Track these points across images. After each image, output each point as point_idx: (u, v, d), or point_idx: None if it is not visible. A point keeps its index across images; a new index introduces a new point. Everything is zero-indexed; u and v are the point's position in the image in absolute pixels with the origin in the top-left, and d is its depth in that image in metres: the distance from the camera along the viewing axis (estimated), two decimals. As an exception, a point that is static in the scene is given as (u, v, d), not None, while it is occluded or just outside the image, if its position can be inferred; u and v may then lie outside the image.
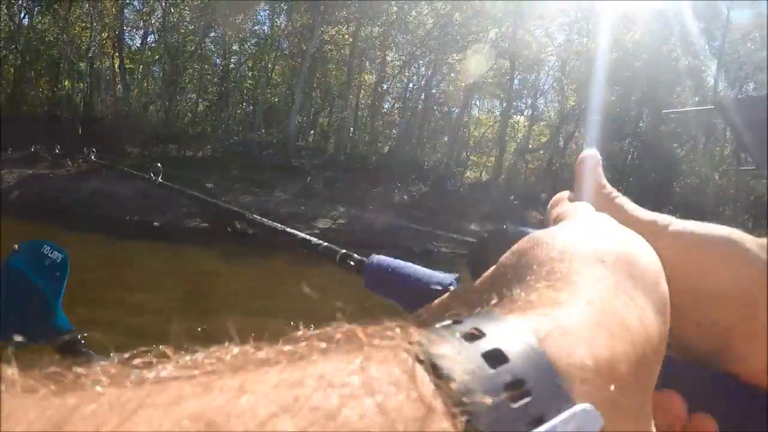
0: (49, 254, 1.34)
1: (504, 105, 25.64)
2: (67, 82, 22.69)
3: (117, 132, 20.70)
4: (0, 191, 16.24)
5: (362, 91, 24.98)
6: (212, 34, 23.40)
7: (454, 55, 22.78)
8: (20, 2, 21.19)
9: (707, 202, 23.49)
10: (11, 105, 23.28)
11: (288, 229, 0.90)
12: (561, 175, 25.04)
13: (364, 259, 0.64)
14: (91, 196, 17.00)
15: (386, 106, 26.57)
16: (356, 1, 21.94)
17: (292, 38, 23.46)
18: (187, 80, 23.47)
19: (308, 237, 0.82)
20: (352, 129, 23.79)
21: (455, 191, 22.00)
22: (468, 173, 24.50)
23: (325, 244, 0.76)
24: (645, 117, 25.38)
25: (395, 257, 0.83)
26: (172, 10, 22.22)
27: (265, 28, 24.29)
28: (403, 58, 24.14)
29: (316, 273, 10.99)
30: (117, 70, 23.86)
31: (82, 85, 23.10)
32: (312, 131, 25.96)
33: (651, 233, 0.35)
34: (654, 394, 0.27)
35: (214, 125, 24.12)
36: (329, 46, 23.98)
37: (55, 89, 23.23)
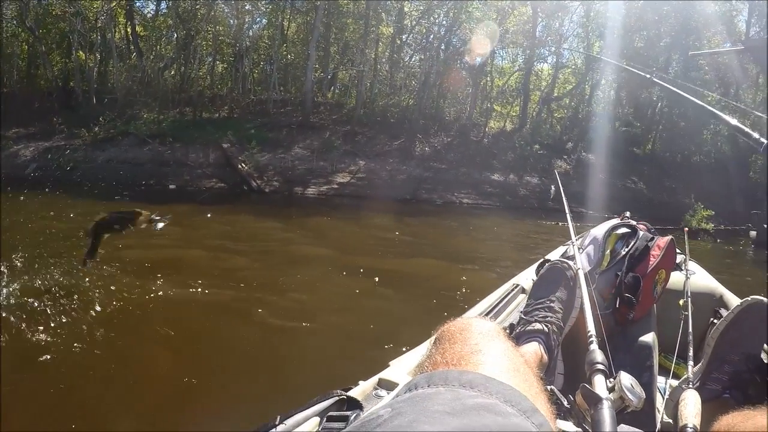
0: None
1: (527, 53, 24.90)
2: (81, 54, 22.47)
3: (131, 99, 20.61)
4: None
5: (380, 44, 24.38)
6: (224, -5, 22.95)
7: (474, 2, 22.02)
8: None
9: (738, 150, 22.74)
10: (27, 81, 23.43)
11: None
12: (587, 124, 24.43)
13: None
14: (107, 165, 17.00)
15: (406, 58, 25.95)
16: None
17: (304, -7, 22.99)
18: (202, 43, 23.06)
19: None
20: (370, 83, 23.25)
21: (478, 142, 21.50)
22: (492, 123, 23.83)
23: None
24: (674, 63, 24.46)
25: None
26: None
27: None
28: (421, 7, 23.40)
29: (319, 221, 10.80)
30: (130, 38, 23.68)
31: (96, 55, 22.93)
32: (332, 87, 25.47)
33: None
34: None
35: (231, 86, 23.79)
36: (344, 0, 23.38)
37: (67, 62, 23.13)
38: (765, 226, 14.09)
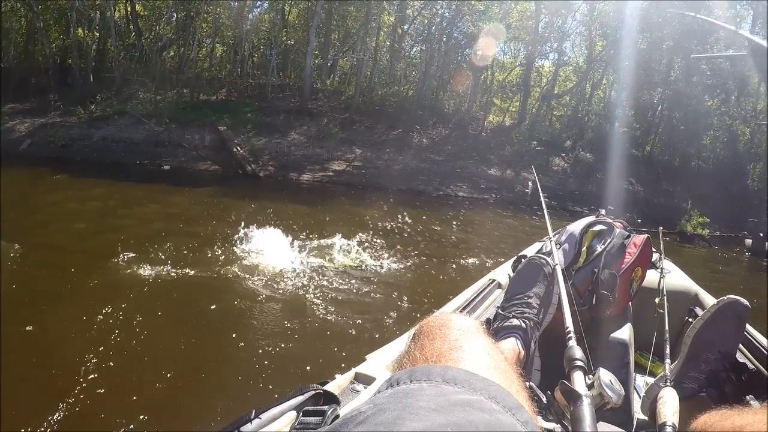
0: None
1: (529, 48, 24.78)
2: (79, 31, 22.30)
3: (129, 79, 20.52)
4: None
5: (382, 33, 24.27)
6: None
7: (476, -3, 21.96)
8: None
9: (737, 157, 22.78)
10: (24, 57, 23.30)
11: None
12: (587, 122, 24.40)
13: None
14: (102, 143, 16.97)
15: (407, 48, 25.85)
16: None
17: (307, -21, 22.83)
18: (202, 25, 22.90)
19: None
20: (370, 72, 23.17)
21: (476, 135, 21.44)
22: (491, 117, 23.77)
23: None
24: (676, 66, 24.41)
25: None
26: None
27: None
28: (423, -2, 23.28)
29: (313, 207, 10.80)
30: (129, 17, 23.53)
31: (94, 33, 22.77)
32: (331, 74, 25.36)
33: None
34: None
35: (230, 69, 23.67)
36: (348, -13, 23.24)
37: (65, 39, 22.98)
38: (761, 234, 14.11)
